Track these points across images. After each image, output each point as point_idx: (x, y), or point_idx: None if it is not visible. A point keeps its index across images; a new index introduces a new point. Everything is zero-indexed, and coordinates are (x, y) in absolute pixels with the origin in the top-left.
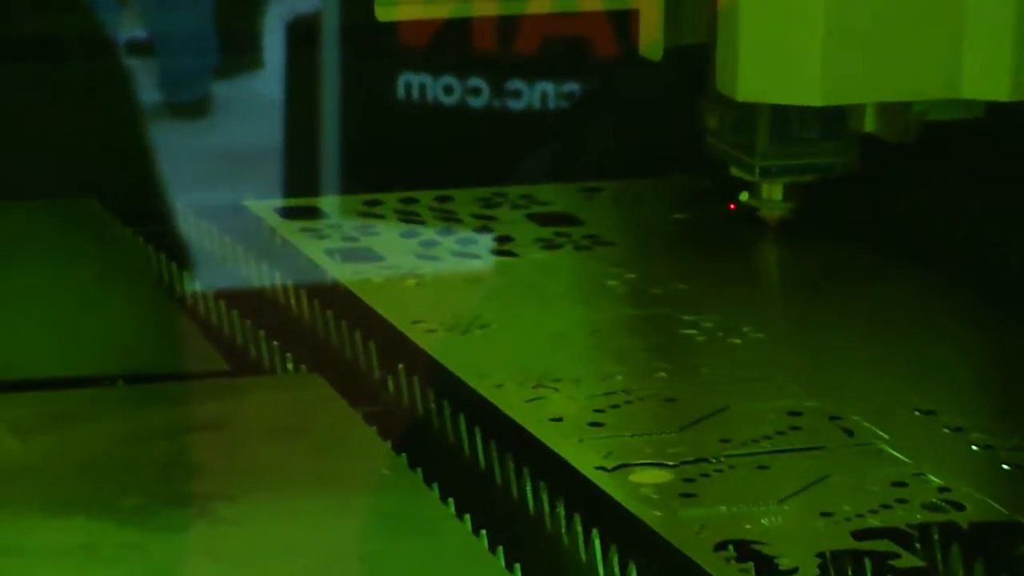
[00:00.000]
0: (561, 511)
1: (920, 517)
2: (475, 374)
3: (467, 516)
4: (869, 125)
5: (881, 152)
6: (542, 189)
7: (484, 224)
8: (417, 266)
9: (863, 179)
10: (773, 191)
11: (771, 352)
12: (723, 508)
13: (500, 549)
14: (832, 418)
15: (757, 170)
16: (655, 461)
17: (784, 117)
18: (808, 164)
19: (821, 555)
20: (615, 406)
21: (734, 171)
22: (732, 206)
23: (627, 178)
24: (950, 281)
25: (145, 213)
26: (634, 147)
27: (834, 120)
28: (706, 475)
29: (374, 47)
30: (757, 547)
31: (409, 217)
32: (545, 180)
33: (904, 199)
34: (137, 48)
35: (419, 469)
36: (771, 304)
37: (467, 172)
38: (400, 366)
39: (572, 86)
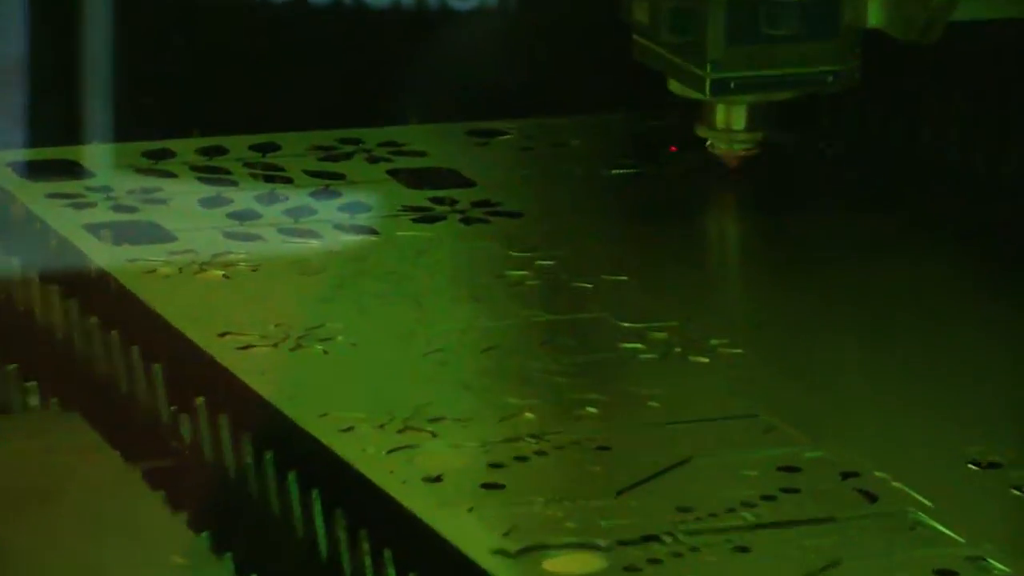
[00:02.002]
0: None
1: None
2: (313, 411)
3: None
4: (875, 18)
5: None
6: (411, 132)
7: (327, 185)
8: (226, 249)
9: (867, 96)
10: (732, 117)
11: (751, 374)
12: None
13: None
14: (845, 474)
15: (708, 84)
16: (580, 541)
17: (747, 5)
18: (784, 76)
19: None
20: (521, 458)
21: (674, 86)
22: (673, 148)
23: (538, 115)
24: (983, 256)
25: None
26: (546, 70)
27: (822, 10)
28: (656, 561)
29: None
30: None
31: (213, 175)
32: (417, 119)
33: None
34: None
35: (228, 555)
36: (746, 300)
37: (299, 109)
38: (199, 400)
39: None
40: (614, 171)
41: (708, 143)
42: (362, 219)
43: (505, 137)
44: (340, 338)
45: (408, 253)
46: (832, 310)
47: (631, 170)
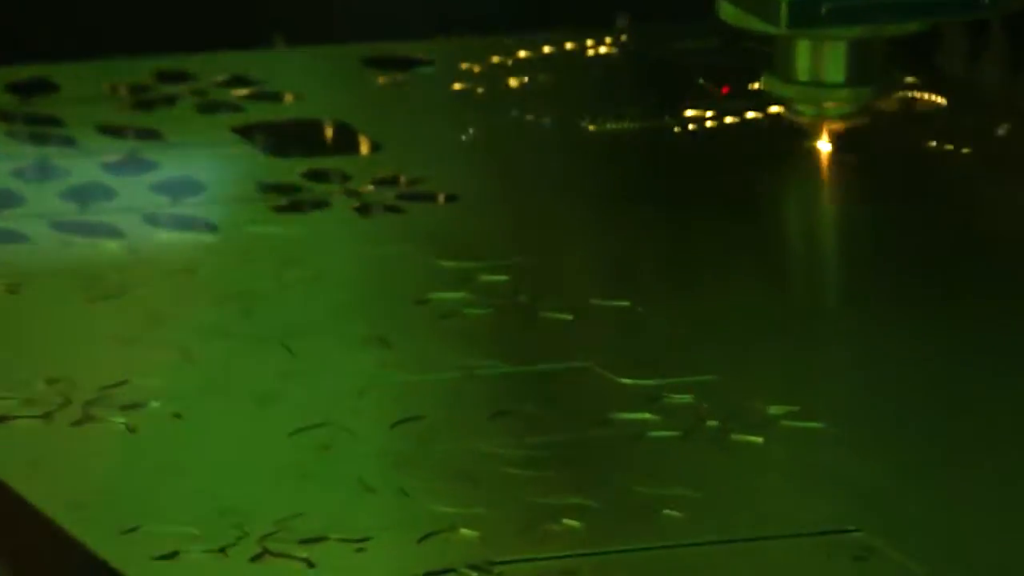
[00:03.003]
0: None
1: None
2: (110, 526)
3: None
4: None
5: None
6: (274, 60)
7: (132, 151)
8: None
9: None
10: (823, 64)
11: (832, 461)
12: None
13: None
14: None
15: (785, 9)
16: None
17: None
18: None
19: None
20: None
21: (726, 11)
22: (725, 90)
23: (481, 31)
24: None
25: None
26: None
27: None
28: None
29: None
30: None
31: None
32: (285, 38)
33: None
34: None
35: None
36: (823, 344)
37: (87, 24)
38: None
39: None
40: (605, 125)
41: (782, 105)
42: (191, 207)
43: (425, 69)
44: (155, 404)
45: (267, 264)
46: (958, 361)
47: (633, 124)
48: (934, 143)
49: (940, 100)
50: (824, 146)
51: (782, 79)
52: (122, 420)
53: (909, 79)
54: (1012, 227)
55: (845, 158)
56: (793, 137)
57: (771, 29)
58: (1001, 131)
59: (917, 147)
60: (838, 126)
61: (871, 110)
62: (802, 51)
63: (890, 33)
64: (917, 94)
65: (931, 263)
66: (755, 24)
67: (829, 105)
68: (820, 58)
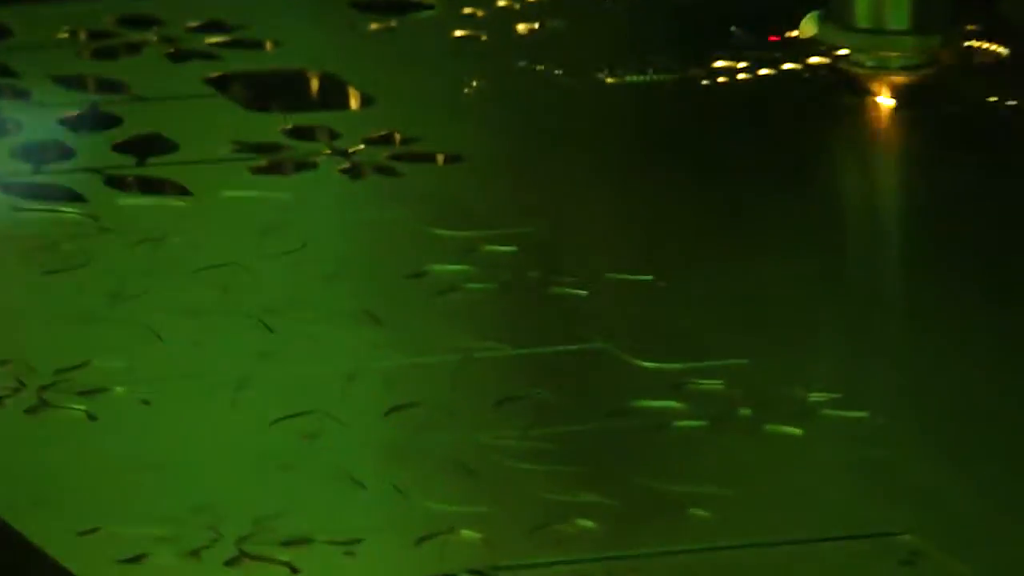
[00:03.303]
0: None
1: None
2: (70, 524)
3: None
4: None
5: None
6: (249, 2)
7: (94, 104)
8: None
9: None
10: (885, 9)
11: (884, 455)
12: None
13: None
14: None
15: None
16: None
17: None
18: None
19: None
20: None
21: None
22: (773, 38)
23: None
24: None
25: None
26: None
27: None
28: None
29: None
30: None
31: None
32: None
33: None
34: None
35: None
36: (869, 323)
37: None
38: None
39: None
40: (624, 77)
41: (837, 54)
42: (160, 168)
43: (423, 13)
44: (119, 389)
45: (247, 230)
46: (1018, 348)
47: (656, 77)
48: (996, 98)
49: (1002, 50)
50: (885, 100)
51: (839, 26)
52: (82, 407)
53: (969, 27)
54: None
55: (898, 115)
56: (837, 92)
57: None
58: None
59: (979, 102)
60: (901, 79)
61: (937, 62)
62: None
63: None
64: (978, 43)
65: (995, 239)
66: None
67: (892, 55)
68: (883, 3)
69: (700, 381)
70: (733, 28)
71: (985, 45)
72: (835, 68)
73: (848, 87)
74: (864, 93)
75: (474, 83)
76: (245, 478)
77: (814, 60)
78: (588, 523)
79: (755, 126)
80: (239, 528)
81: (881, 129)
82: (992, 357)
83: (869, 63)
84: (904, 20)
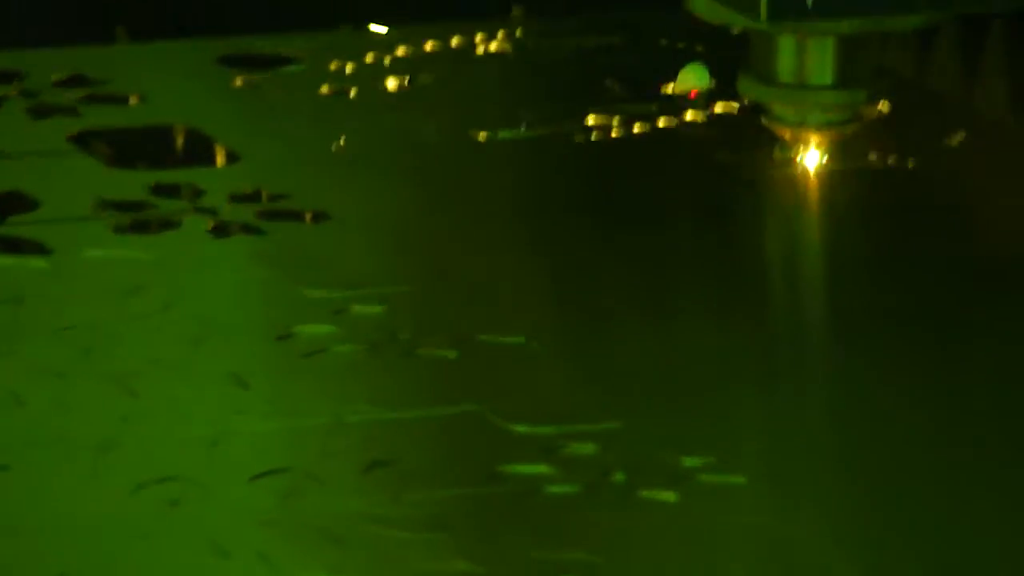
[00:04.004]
0: None
1: None
2: None
3: None
4: None
5: None
6: (116, 56)
7: None
8: None
9: None
10: (810, 64)
11: (765, 525)
12: None
13: None
14: None
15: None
16: None
17: None
18: None
19: None
20: None
21: (697, 2)
22: (693, 94)
23: (358, 19)
24: None
25: None
26: None
27: None
28: None
29: None
30: None
31: None
32: (128, 31)
33: None
34: None
35: None
36: (746, 384)
37: None
38: None
39: None
40: (496, 133)
41: (764, 112)
42: (20, 226)
43: (290, 68)
44: None
45: (109, 290)
46: (892, 402)
47: (528, 132)
48: (874, 155)
49: (883, 106)
50: (811, 158)
51: (761, 80)
52: None
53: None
54: (958, 249)
55: (775, 172)
56: (710, 149)
57: (750, 23)
58: (953, 141)
59: (858, 158)
60: (824, 135)
61: (861, 117)
62: (784, 48)
63: (887, 28)
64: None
65: (862, 295)
66: (731, 17)
67: (814, 111)
68: (805, 56)
69: (573, 445)
70: (608, 82)
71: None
72: (755, 121)
73: (710, 144)
74: (785, 148)
75: (342, 139)
76: (105, 546)
77: (689, 115)
78: None
79: (630, 182)
80: None
81: (744, 185)
82: (878, 422)
83: (791, 119)
84: (828, 75)
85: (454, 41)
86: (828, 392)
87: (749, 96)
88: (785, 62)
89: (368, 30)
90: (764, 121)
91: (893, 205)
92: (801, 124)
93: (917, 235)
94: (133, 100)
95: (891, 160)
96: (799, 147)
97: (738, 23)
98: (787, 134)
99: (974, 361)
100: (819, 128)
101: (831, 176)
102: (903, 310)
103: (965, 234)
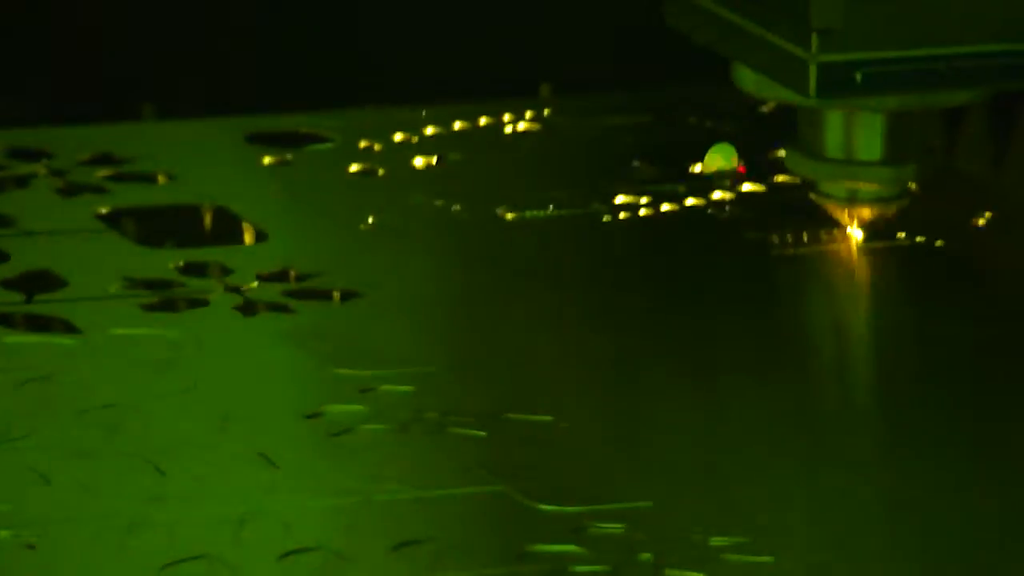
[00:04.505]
0: None
1: None
2: None
3: None
4: None
5: None
6: (142, 135)
7: None
8: None
9: None
10: (857, 139)
11: None
12: None
13: None
14: None
15: (813, 75)
16: None
17: None
18: (960, 60)
19: None
20: None
21: (744, 78)
22: (743, 169)
23: (391, 101)
24: None
25: None
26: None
27: None
28: None
29: None
30: None
31: None
32: (155, 109)
33: None
34: None
35: None
36: (773, 470)
37: None
38: None
39: None
40: (524, 213)
41: (810, 184)
42: (49, 305)
43: (319, 146)
44: (4, 532)
45: (137, 368)
46: (921, 487)
47: (556, 212)
48: (903, 234)
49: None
50: (856, 232)
51: (808, 154)
52: None
53: None
54: (987, 333)
55: (806, 251)
56: (739, 227)
57: (798, 99)
58: (981, 221)
59: (886, 237)
60: (872, 210)
61: (908, 192)
62: (832, 123)
63: (935, 104)
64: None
65: (895, 378)
66: (780, 93)
67: (862, 186)
68: (853, 131)
69: (600, 524)
70: (635, 162)
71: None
72: (805, 196)
73: (741, 224)
74: (754, 230)
75: (371, 218)
76: None
77: (718, 195)
78: None
79: (657, 260)
80: None
81: (775, 266)
82: (912, 506)
83: (839, 194)
84: (876, 150)
85: (482, 120)
86: (860, 472)
87: (798, 172)
88: (834, 138)
89: (397, 109)
90: (812, 197)
91: (921, 284)
92: (850, 199)
93: (946, 314)
94: (161, 178)
95: (919, 239)
96: (846, 215)
97: (787, 99)
98: (836, 210)
99: (1013, 445)
100: (868, 203)
101: (861, 254)
102: (934, 394)
103: (994, 313)
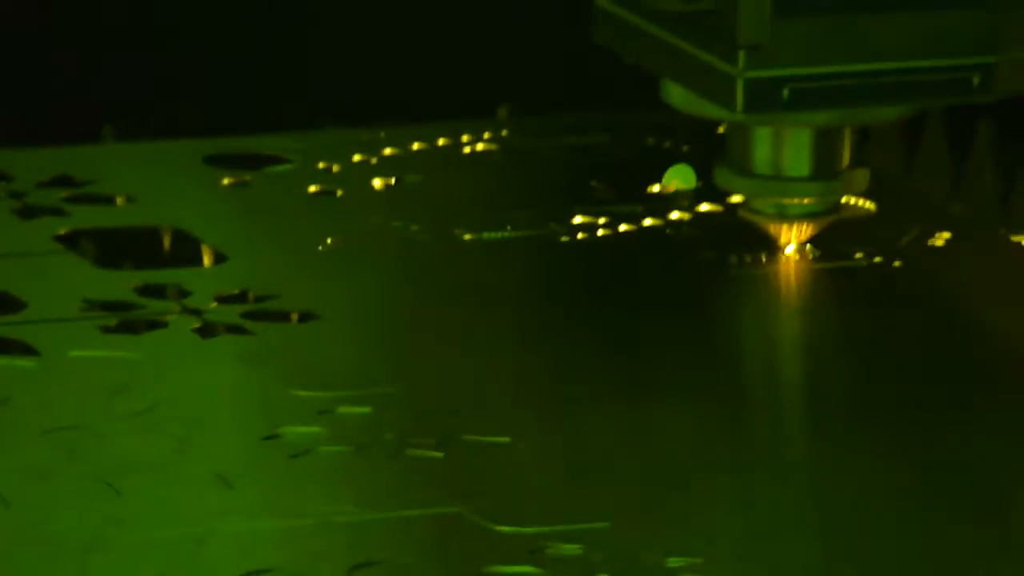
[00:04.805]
0: None
1: None
2: None
3: None
4: None
5: None
6: (101, 156)
7: None
8: None
9: None
10: (786, 154)
11: None
12: None
13: None
14: None
15: (741, 91)
16: None
17: None
18: (887, 75)
19: None
20: None
21: (673, 94)
22: (670, 187)
23: (349, 123)
24: None
25: None
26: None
27: None
28: None
29: None
30: None
31: None
32: (114, 131)
33: None
34: None
35: None
36: (734, 490)
37: None
38: None
39: None
40: (482, 233)
41: (739, 201)
42: (7, 327)
43: (277, 168)
44: None
45: (96, 390)
46: (881, 506)
47: (514, 233)
48: (860, 253)
49: (869, 205)
50: (788, 247)
51: (736, 170)
52: None
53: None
54: (939, 345)
55: (756, 271)
56: (696, 248)
57: (726, 115)
58: (938, 241)
59: (840, 256)
60: (803, 227)
61: (840, 208)
62: (761, 139)
63: (863, 120)
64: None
65: (843, 397)
66: (709, 109)
67: (792, 202)
68: (782, 147)
69: (557, 545)
70: (593, 183)
71: (851, 200)
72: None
73: (695, 244)
74: (710, 249)
75: (329, 239)
76: None
77: (675, 215)
78: None
79: (616, 282)
80: None
81: (727, 285)
82: (859, 515)
83: (769, 210)
84: (805, 165)
85: (440, 141)
86: (820, 492)
87: (727, 188)
88: (762, 154)
89: (355, 130)
90: (741, 213)
91: (876, 302)
92: (779, 215)
93: (898, 331)
94: (120, 200)
95: (877, 259)
96: (778, 233)
97: (715, 115)
98: (763, 222)
99: (949, 451)
100: (797, 219)
101: (817, 273)
102: (882, 403)
103: (947, 332)
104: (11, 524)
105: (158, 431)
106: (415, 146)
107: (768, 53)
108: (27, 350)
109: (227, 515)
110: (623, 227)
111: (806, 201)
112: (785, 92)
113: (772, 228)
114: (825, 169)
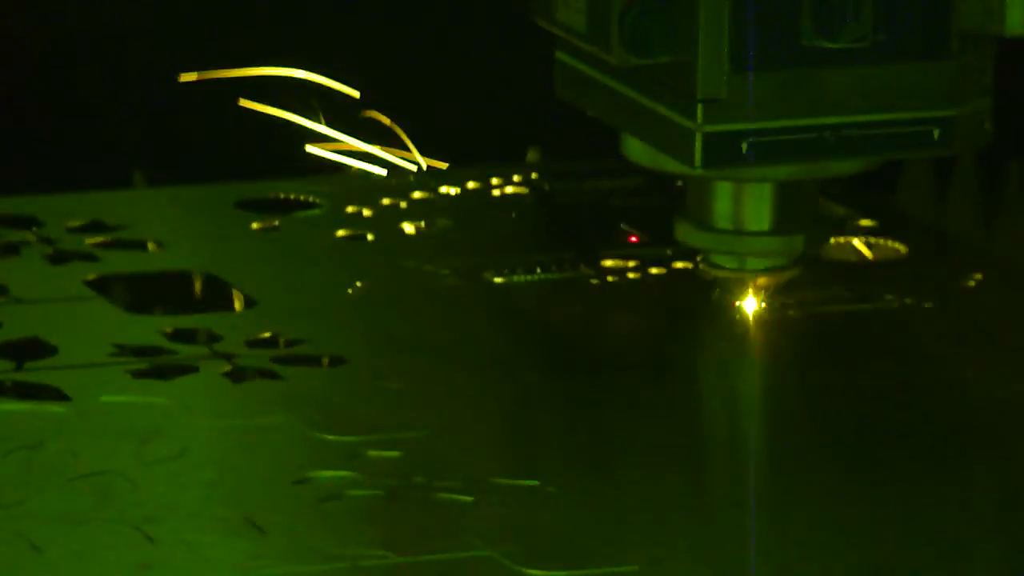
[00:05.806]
0: None
1: None
2: None
3: None
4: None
5: None
6: (132, 201)
7: None
8: None
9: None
10: (747, 210)
11: None
12: None
13: None
14: None
15: (699, 146)
16: None
17: None
18: (847, 128)
19: None
20: None
21: (632, 148)
22: (633, 237)
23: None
24: None
25: None
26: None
27: (921, 4)
28: None
29: None
30: None
31: None
32: (145, 176)
33: None
34: None
35: None
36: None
37: None
38: None
39: None
40: (512, 277)
41: (698, 258)
42: (38, 373)
43: (307, 212)
44: None
45: (126, 436)
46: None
47: (544, 276)
48: (891, 296)
49: (901, 247)
50: (749, 304)
51: (695, 224)
52: None
53: (865, 222)
54: (977, 402)
55: (786, 316)
56: (724, 291)
57: (686, 169)
58: (970, 283)
59: (873, 299)
60: (764, 282)
61: (803, 262)
62: (721, 194)
63: (824, 174)
64: (876, 239)
65: (883, 446)
66: (668, 164)
67: (752, 258)
68: (742, 202)
69: None
70: (623, 226)
71: (881, 241)
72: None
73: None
74: (727, 294)
75: (359, 284)
76: None
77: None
78: None
79: (642, 327)
80: None
81: (756, 331)
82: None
83: (729, 266)
84: (765, 221)
85: (470, 184)
86: (835, 526)
87: (688, 243)
88: (722, 208)
89: (385, 174)
90: (703, 268)
91: (909, 344)
92: (739, 270)
93: (929, 374)
94: (151, 245)
95: (908, 300)
96: (739, 293)
97: (675, 170)
98: (721, 280)
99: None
100: (757, 274)
101: (846, 317)
102: (895, 455)
103: (976, 373)
104: (43, 571)
105: (189, 476)
106: (444, 190)
107: (727, 107)
108: (58, 395)
109: (258, 559)
110: (653, 270)
111: (766, 257)
112: (744, 146)
113: (730, 288)
114: (786, 224)
